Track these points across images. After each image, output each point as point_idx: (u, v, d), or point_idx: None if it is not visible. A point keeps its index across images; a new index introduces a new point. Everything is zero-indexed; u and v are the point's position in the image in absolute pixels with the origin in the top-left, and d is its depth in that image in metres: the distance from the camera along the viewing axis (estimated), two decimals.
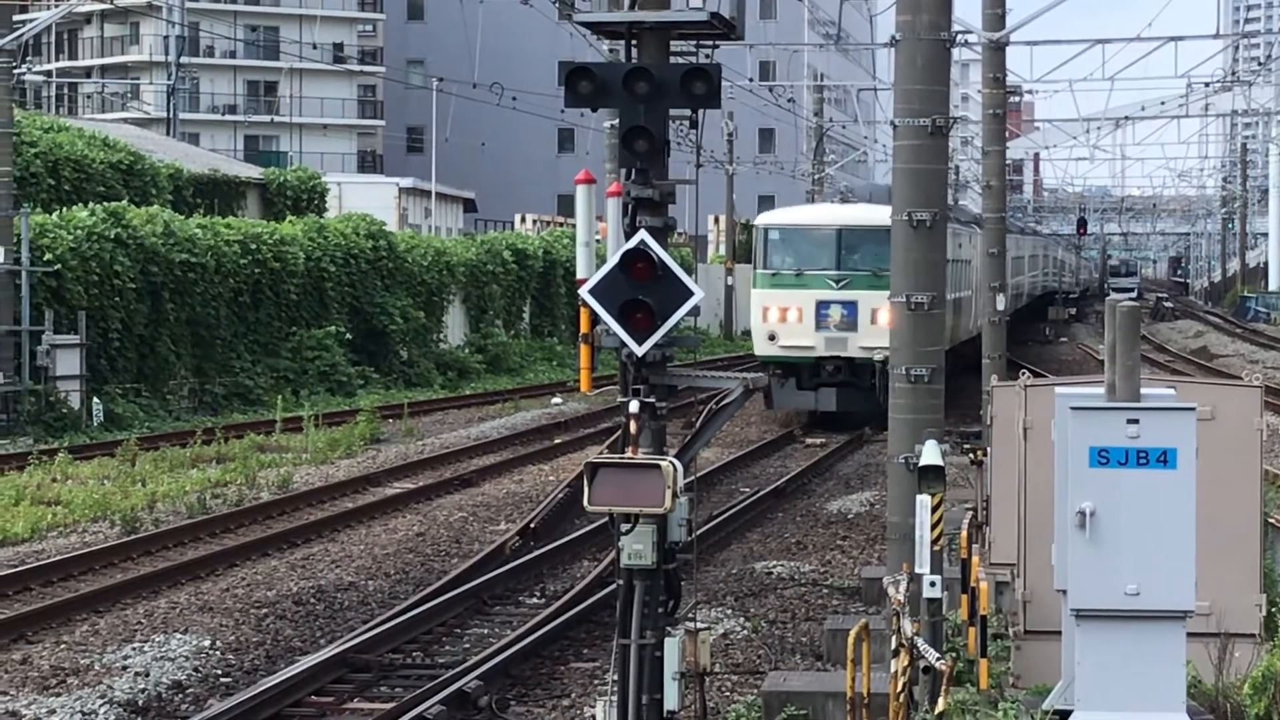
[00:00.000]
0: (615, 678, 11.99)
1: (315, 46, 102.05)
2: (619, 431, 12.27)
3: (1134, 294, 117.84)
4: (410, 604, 21.59)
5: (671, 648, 11.86)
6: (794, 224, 44.39)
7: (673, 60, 12.37)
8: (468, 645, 20.31)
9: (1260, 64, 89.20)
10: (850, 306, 42.40)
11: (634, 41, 12.30)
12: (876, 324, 40.69)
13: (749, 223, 74.00)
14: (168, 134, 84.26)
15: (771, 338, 42.97)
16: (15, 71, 45.51)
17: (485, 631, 21.09)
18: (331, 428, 42.40)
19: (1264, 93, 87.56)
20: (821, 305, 42.60)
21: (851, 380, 42.31)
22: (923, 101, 19.10)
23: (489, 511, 30.33)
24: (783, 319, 42.77)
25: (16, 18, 45.62)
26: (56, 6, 66.06)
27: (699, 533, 21.42)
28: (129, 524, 28.01)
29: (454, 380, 59.89)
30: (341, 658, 19.01)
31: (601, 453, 31.29)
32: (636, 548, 11.68)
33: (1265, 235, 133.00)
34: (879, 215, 38.80)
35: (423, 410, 49.38)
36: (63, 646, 19.92)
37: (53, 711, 17.02)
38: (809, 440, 41.82)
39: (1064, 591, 11.88)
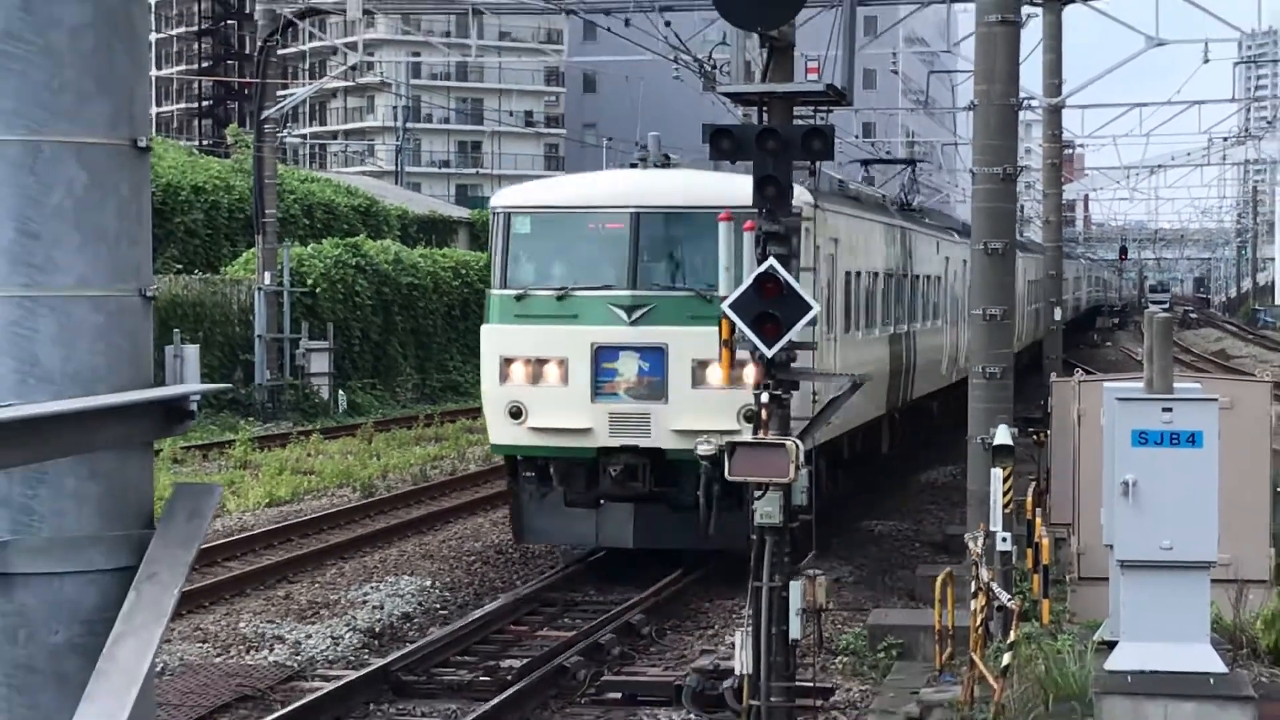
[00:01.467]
0: (750, 613, 11.99)
1: (511, 114, 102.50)
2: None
3: (1166, 307, 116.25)
4: (588, 552, 21.64)
5: (795, 589, 11.85)
6: (554, 205, 19.74)
7: (795, 122, 12.35)
8: (634, 586, 20.33)
9: (1269, 122, 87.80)
10: (654, 356, 18.90)
11: (764, 107, 12.31)
12: (706, 386, 18.65)
13: None
14: (396, 183, 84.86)
15: (516, 414, 19.29)
16: (278, 135, 46.11)
17: (648, 575, 21.10)
18: None
19: (1271, 145, 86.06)
20: (604, 354, 19.03)
21: (660, 491, 19.14)
22: (995, 154, 18.99)
23: None
24: (534, 379, 19.32)
25: (279, 93, 46.16)
26: (310, 84, 66.80)
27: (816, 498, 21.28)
28: (367, 489, 28.28)
29: None
30: (535, 595, 19.10)
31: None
32: (767, 510, 11.68)
33: (1272, 259, 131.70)
34: (708, 189, 19.17)
35: None
36: (316, 585, 20.15)
37: (309, 636, 17.23)
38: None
39: (1111, 545, 11.77)
